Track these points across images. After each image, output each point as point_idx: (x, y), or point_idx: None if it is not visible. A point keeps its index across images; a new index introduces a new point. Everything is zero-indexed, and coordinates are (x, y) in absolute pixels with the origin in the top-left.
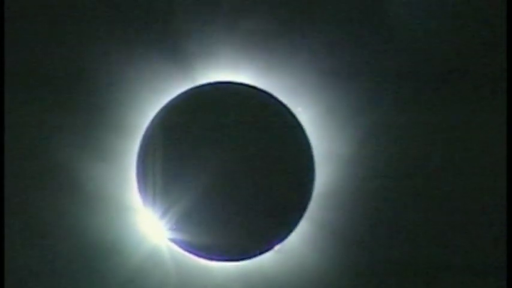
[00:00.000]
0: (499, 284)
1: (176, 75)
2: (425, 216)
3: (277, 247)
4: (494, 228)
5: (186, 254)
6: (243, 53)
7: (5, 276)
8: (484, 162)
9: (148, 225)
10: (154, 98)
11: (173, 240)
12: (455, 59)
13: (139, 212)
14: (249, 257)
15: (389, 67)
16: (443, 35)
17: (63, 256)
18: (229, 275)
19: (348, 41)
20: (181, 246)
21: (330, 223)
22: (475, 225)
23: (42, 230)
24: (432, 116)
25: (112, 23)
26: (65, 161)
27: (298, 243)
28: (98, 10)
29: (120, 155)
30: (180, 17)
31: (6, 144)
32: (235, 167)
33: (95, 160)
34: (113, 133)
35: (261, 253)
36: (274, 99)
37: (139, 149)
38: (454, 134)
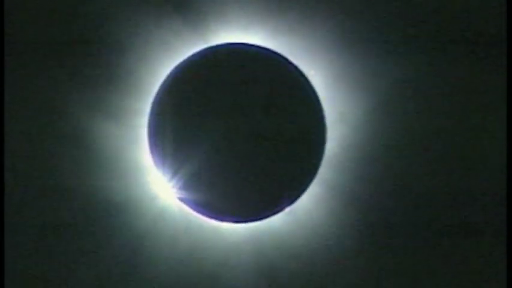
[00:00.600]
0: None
1: (188, 36)
2: (435, 178)
3: (287, 209)
4: (494, 188)
5: (197, 214)
6: (256, 14)
7: (13, 237)
8: (490, 126)
9: (159, 185)
10: (167, 58)
11: (184, 200)
12: (466, 22)
13: (150, 172)
14: (260, 219)
15: (403, 31)
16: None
17: (73, 216)
18: (240, 236)
19: (361, 4)
20: (191, 207)
21: (340, 185)
22: (478, 187)
23: (53, 190)
24: (444, 82)
25: None
26: (76, 121)
27: (308, 205)
28: None
29: (132, 114)
30: None
31: (17, 105)
32: (246, 129)
33: (107, 120)
34: (124, 93)
35: (271, 214)
36: (286, 61)
37: (151, 109)
38: (465, 99)
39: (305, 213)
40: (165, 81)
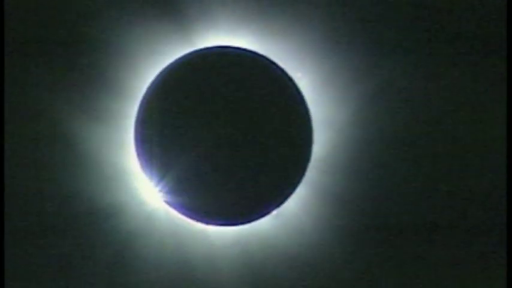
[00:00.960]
0: (499, 245)
1: (175, 39)
2: (423, 180)
3: (275, 211)
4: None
5: (184, 218)
6: (243, 17)
7: (4, 239)
8: (484, 124)
9: (146, 189)
10: (153, 61)
11: (171, 204)
12: (455, 23)
13: (137, 176)
14: (247, 221)
15: (389, 33)
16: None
17: (60, 219)
18: (227, 239)
19: (348, 6)
20: (178, 210)
21: (328, 188)
22: (473, 187)
23: (39, 192)
24: (431, 82)
25: None
26: (62, 123)
27: (296, 208)
28: None
29: (119, 118)
30: None
31: (5, 107)
32: (233, 132)
33: (93, 123)
34: (111, 96)
35: (258, 217)
36: (273, 64)
37: (138, 113)
38: (453, 98)
39: (292, 215)
40: (151, 85)
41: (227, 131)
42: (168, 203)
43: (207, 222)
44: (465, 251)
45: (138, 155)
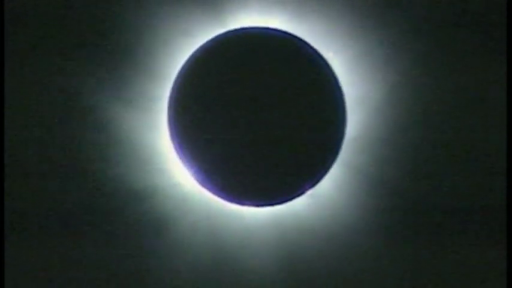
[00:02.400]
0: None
1: (207, 20)
2: (453, 159)
3: (309, 192)
4: None
5: (218, 199)
6: None
7: (23, 224)
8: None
9: (179, 171)
10: (185, 43)
11: (204, 186)
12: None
13: (171, 158)
14: (281, 202)
15: (421, 15)
16: None
17: (93, 202)
18: (261, 220)
19: None
20: (212, 192)
21: (362, 168)
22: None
23: (72, 176)
24: (463, 63)
25: None
26: (95, 107)
27: (330, 188)
28: None
29: (152, 100)
30: None
31: (36, 89)
32: (267, 113)
33: (126, 106)
34: (144, 78)
35: (293, 198)
36: (305, 44)
37: (170, 95)
38: (481, 81)
39: (326, 196)
40: (183, 67)
41: (260, 112)
42: (202, 184)
43: (241, 203)
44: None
45: (172, 137)
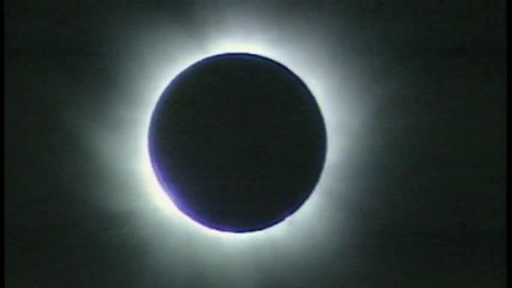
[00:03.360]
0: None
1: (188, 46)
2: (438, 187)
3: (288, 218)
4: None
5: (197, 224)
6: (256, 24)
7: (8, 244)
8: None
9: (159, 196)
10: (166, 67)
11: (184, 211)
12: (466, 30)
13: (150, 183)
14: (260, 228)
15: (402, 40)
16: (454, 8)
17: (71, 226)
18: (240, 245)
19: (361, 13)
20: (191, 217)
21: (342, 195)
22: (485, 192)
23: (51, 199)
24: (445, 88)
25: None
26: (75, 131)
27: (309, 215)
28: None
29: (132, 125)
30: None
31: (15, 114)
32: (247, 139)
33: (106, 131)
34: (124, 103)
35: (272, 224)
36: (286, 70)
37: (151, 120)
38: (466, 105)
39: (306, 222)
40: (164, 91)
41: (240, 138)
42: (181, 210)
43: (220, 229)
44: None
45: (152, 162)
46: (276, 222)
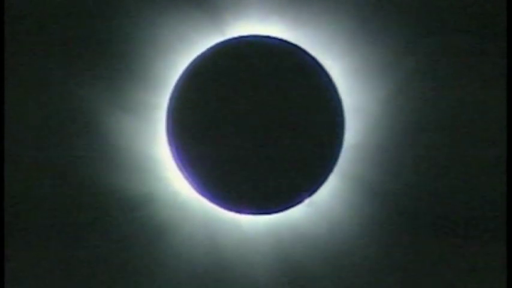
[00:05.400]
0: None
1: (206, 29)
2: (452, 168)
3: (307, 200)
4: None
5: (216, 207)
6: (273, 6)
7: (23, 234)
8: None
9: (177, 179)
10: (184, 51)
11: (202, 194)
12: (482, 11)
13: (169, 167)
14: (279, 210)
15: (420, 23)
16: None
17: (91, 211)
18: (259, 228)
19: None
20: (210, 200)
21: (360, 176)
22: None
23: (71, 185)
24: (464, 71)
25: None
26: (94, 115)
27: (328, 197)
28: None
29: (150, 109)
30: None
31: (35, 98)
32: (265, 121)
33: (124, 114)
34: (142, 87)
35: (290, 206)
36: (304, 52)
37: (169, 103)
38: (481, 89)
39: (324, 204)
40: (182, 75)
41: (258, 120)
42: (200, 192)
43: (239, 212)
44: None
45: (170, 145)
46: (294, 205)
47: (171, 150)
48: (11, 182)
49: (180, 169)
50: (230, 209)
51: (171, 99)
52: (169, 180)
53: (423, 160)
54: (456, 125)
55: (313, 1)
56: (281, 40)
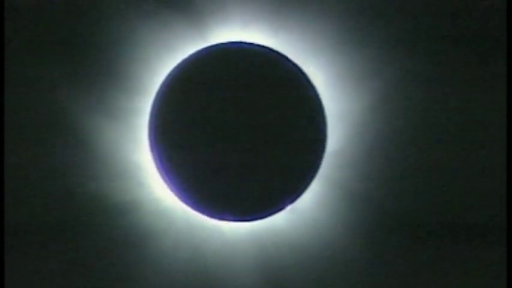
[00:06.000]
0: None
1: (188, 34)
2: (436, 174)
3: (289, 207)
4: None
5: (198, 214)
6: (256, 13)
7: (8, 239)
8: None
9: (159, 185)
10: (167, 57)
11: (184, 201)
12: (466, 20)
13: (151, 173)
14: (261, 217)
15: (403, 29)
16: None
17: (72, 217)
18: (241, 235)
19: (362, 3)
20: (192, 207)
21: (342, 183)
22: (484, 179)
23: (52, 190)
24: (444, 79)
25: None
26: (75, 121)
27: (310, 203)
28: None
29: (132, 115)
30: None
31: (16, 105)
32: (248, 127)
33: (106, 120)
34: (125, 93)
35: (273, 213)
36: (286, 59)
37: (151, 109)
38: (464, 96)
39: (307, 211)
40: (165, 81)
41: (240, 126)
42: (182, 199)
43: (221, 219)
44: (465, 250)
45: (152, 151)
46: (277, 211)
47: (153, 156)
48: None
49: (162, 176)
50: (212, 216)
51: (154, 105)
52: (152, 187)
53: (406, 166)
54: (443, 131)
55: (296, 8)
56: (264, 47)
